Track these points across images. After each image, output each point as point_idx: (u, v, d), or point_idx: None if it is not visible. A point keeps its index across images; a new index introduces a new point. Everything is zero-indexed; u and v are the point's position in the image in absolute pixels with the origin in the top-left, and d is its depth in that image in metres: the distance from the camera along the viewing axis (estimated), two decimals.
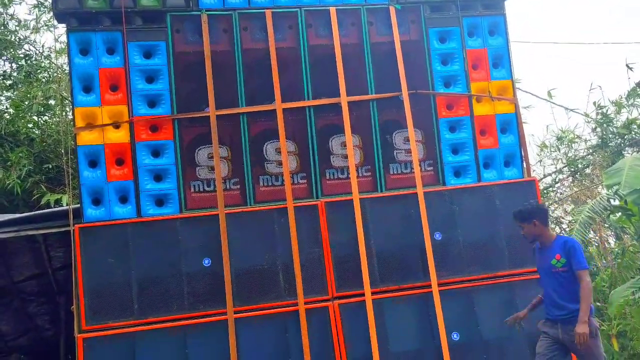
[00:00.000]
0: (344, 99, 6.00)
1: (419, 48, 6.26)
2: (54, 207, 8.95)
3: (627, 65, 11.91)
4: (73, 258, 5.37)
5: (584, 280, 4.96)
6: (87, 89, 5.69)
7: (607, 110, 12.10)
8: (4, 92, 10.77)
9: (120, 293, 5.35)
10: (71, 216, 5.53)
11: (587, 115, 12.41)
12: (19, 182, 8.94)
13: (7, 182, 8.90)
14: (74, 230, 5.41)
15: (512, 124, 6.34)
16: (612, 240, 12.57)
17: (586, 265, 5.05)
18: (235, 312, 5.43)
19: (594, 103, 12.06)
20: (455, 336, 5.69)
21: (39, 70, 10.87)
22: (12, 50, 10.85)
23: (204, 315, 5.43)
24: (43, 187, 9.10)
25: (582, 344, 4.85)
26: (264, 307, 5.53)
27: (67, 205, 8.14)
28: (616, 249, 11.78)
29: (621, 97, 12.25)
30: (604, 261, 11.36)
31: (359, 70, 6.13)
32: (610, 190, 9.16)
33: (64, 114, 9.97)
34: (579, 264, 5.01)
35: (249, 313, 5.48)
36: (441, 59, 6.29)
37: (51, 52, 10.98)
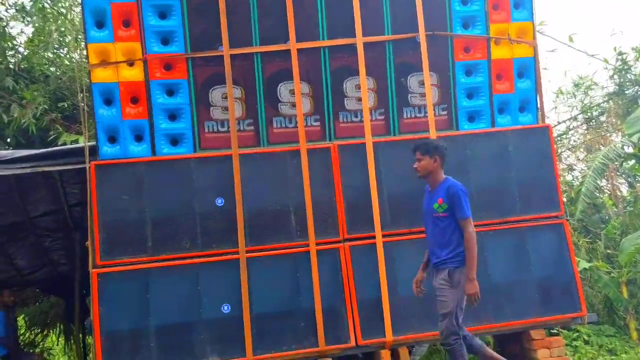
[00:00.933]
0: (359, 40, 5.91)
1: None
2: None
3: None
4: (88, 195, 5.44)
5: (467, 231, 4.61)
6: (100, 24, 5.63)
7: (626, 57, 11.86)
8: (19, 23, 10.63)
9: (135, 230, 5.44)
10: (87, 153, 5.57)
11: (606, 61, 12.17)
12: (34, 121, 8.95)
13: (23, 121, 8.92)
14: (89, 167, 5.46)
15: (529, 68, 6.23)
16: (624, 189, 12.53)
17: (468, 214, 4.64)
18: (247, 252, 5.51)
19: (614, 49, 11.81)
20: None
21: (53, 2, 10.70)
22: None
23: (216, 254, 5.52)
24: (59, 126, 9.11)
25: (473, 301, 4.55)
26: (276, 247, 5.60)
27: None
28: (628, 197, 11.75)
29: None
30: (615, 209, 11.35)
31: (376, 10, 6.00)
32: (625, 138, 9.07)
33: (78, 50, 9.90)
34: (460, 212, 4.64)
35: (261, 253, 5.56)
36: None
37: None
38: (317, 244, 5.61)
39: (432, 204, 4.78)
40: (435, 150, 4.83)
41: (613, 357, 7.40)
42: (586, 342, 8.06)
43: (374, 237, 5.68)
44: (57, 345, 14.43)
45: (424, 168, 4.83)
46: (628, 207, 10.81)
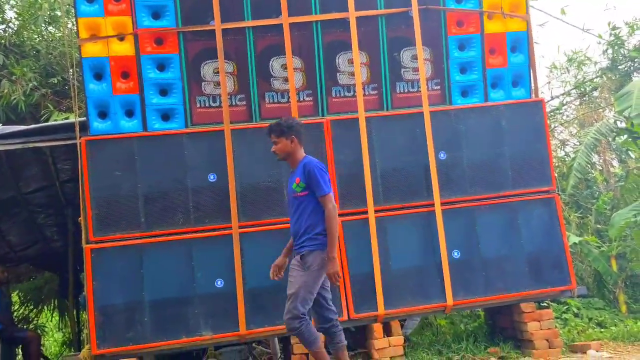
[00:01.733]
0: (352, 14, 5.87)
1: None
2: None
3: None
4: (80, 170, 5.42)
5: (327, 208, 4.35)
6: None
7: (619, 32, 11.82)
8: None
9: (127, 206, 5.43)
10: (77, 129, 5.54)
11: (600, 36, 12.14)
12: (23, 98, 8.86)
13: (13, 98, 8.84)
14: (80, 142, 5.44)
15: (522, 42, 6.22)
16: (615, 164, 12.58)
17: (326, 190, 4.38)
18: (240, 227, 5.52)
19: (608, 24, 11.76)
20: (456, 254, 5.80)
21: None
22: None
23: (209, 229, 5.52)
24: (50, 104, 9.02)
25: (334, 281, 4.31)
26: (268, 223, 5.61)
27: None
28: (620, 172, 11.81)
29: (635, 19, 11.95)
30: (606, 184, 11.41)
31: None
32: (618, 113, 9.09)
33: (69, 24, 9.77)
34: (319, 189, 4.38)
35: (254, 228, 5.58)
36: None
37: None
38: None
39: (292, 184, 4.56)
40: (290, 130, 4.55)
41: (602, 330, 7.49)
42: (576, 315, 8.16)
43: (366, 213, 5.70)
44: (51, 321, 14.51)
45: (282, 150, 4.58)
46: (619, 182, 10.86)
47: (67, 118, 8.71)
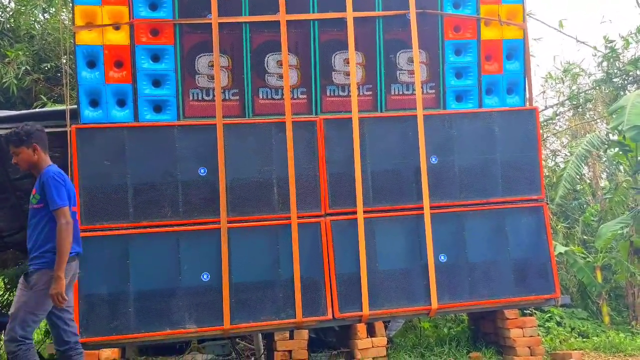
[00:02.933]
0: (349, 14, 5.87)
1: None
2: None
3: (637, 1, 11.62)
4: (69, 158, 5.39)
5: (59, 222, 3.95)
6: None
7: (615, 45, 11.89)
8: None
9: (116, 196, 5.41)
10: (68, 116, 5.51)
11: (595, 48, 12.20)
12: (15, 82, 8.80)
13: (4, 80, 8.78)
14: (70, 130, 5.41)
15: (518, 50, 6.24)
16: (604, 176, 12.65)
17: (60, 203, 3.98)
18: (229, 222, 5.51)
19: (604, 37, 11.83)
20: (443, 258, 5.81)
21: None
22: None
23: (197, 222, 5.51)
24: (41, 91, 8.98)
25: (57, 302, 3.91)
26: (257, 219, 5.60)
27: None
28: (609, 185, 11.87)
29: (630, 33, 12.01)
30: (593, 197, 11.48)
31: None
32: (612, 129, 9.15)
33: (65, 11, 9.73)
34: (51, 202, 3.99)
35: (242, 224, 5.56)
36: None
37: None
38: (299, 217, 5.62)
39: (31, 196, 4.18)
40: (30, 138, 4.11)
41: (584, 340, 7.53)
42: (559, 324, 8.19)
43: (355, 213, 5.71)
44: None
45: (25, 161, 4.15)
46: (607, 195, 10.92)
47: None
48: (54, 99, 9.03)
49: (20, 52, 9.01)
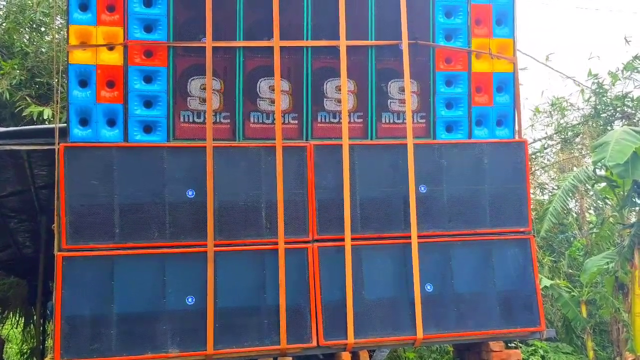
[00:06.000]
0: (343, 43, 5.92)
1: None
2: (37, 120, 8.84)
3: (624, 39, 11.85)
4: (56, 177, 5.36)
5: None
6: (84, 7, 5.56)
7: (602, 81, 12.06)
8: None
9: (103, 216, 5.36)
10: (57, 134, 5.48)
11: (581, 84, 12.39)
12: (9, 88, 8.80)
13: None
14: (58, 148, 5.38)
15: (508, 83, 6.31)
16: (592, 211, 12.73)
17: None
18: (216, 246, 5.48)
19: (589, 72, 12.01)
20: (429, 287, 5.79)
21: None
22: None
23: (184, 245, 5.47)
24: (31, 100, 8.98)
25: None
26: (244, 243, 5.57)
27: (50, 120, 8.04)
28: (595, 220, 11.94)
29: (617, 70, 12.22)
30: (580, 231, 11.53)
31: (361, 15, 6.02)
32: (593, 164, 9.22)
33: (60, 32, 9.77)
34: None
35: (229, 248, 5.53)
36: (445, 11, 6.19)
37: None
38: (286, 242, 5.59)
39: None
40: None
41: None
42: (543, 358, 8.17)
43: (343, 240, 5.69)
44: (16, 328, 14.21)
45: None
46: (593, 230, 10.98)
47: (42, 111, 8.67)
48: (41, 105, 9.00)
49: (15, 66, 9.04)
